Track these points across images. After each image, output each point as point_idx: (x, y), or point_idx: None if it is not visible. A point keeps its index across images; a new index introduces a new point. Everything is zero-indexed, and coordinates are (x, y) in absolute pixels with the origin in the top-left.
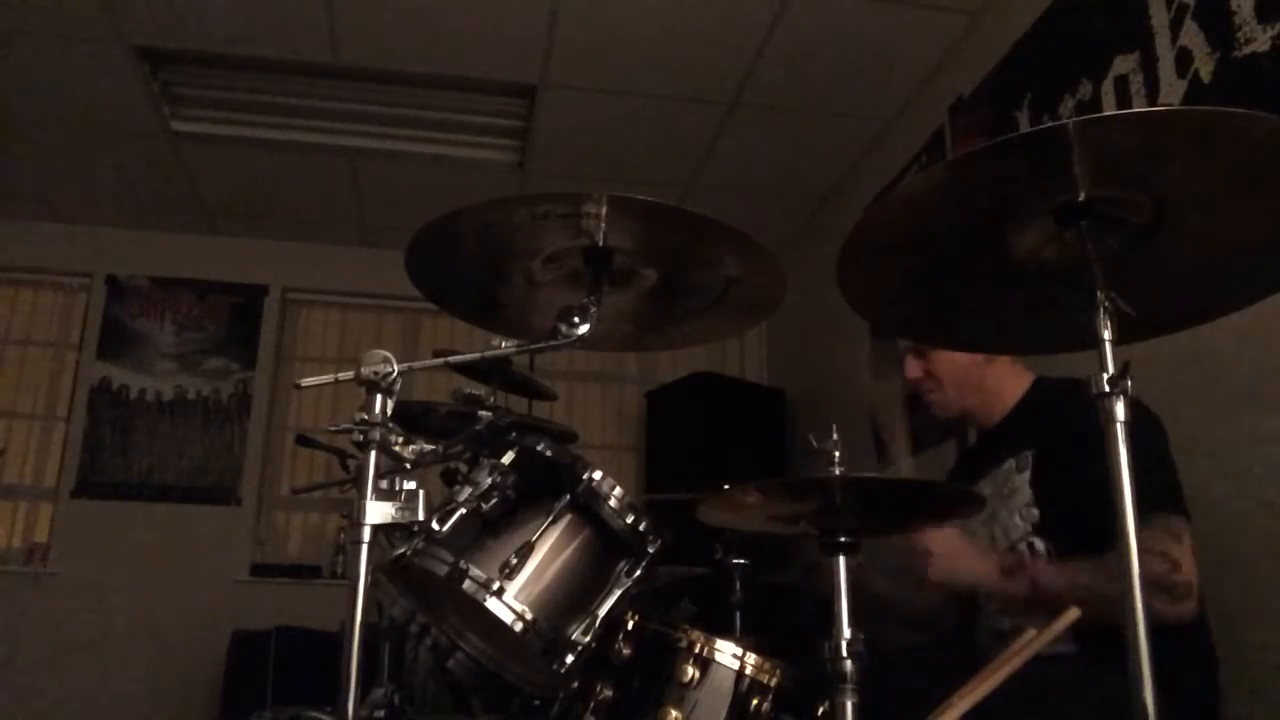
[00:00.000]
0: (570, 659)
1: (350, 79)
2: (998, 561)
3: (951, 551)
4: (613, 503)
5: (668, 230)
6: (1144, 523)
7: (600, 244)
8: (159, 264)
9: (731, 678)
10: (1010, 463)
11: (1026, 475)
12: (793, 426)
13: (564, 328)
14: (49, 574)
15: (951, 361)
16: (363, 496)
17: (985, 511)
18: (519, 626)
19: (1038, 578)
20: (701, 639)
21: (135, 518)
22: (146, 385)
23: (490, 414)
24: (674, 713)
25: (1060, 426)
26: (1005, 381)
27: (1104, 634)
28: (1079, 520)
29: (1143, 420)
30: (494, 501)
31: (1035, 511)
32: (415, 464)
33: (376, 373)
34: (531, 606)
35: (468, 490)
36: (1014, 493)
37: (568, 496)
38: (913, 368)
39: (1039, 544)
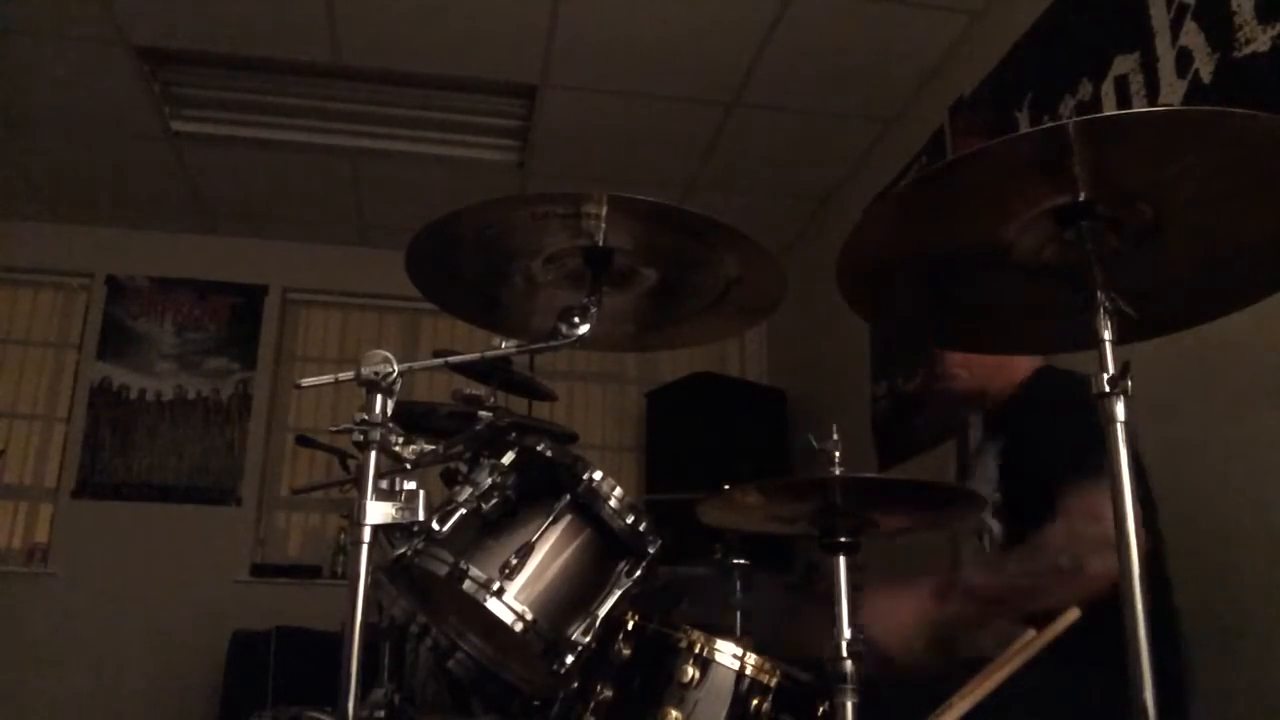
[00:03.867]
0: (570, 659)
1: (350, 79)
2: (928, 592)
3: (880, 616)
4: (613, 503)
5: (668, 230)
6: (1087, 486)
7: (600, 244)
8: (159, 264)
9: (731, 678)
10: (990, 446)
11: (996, 459)
12: (793, 426)
13: (564, 328)
14: (49, 574)
15: None
16: (363, 496)
17: None
18: (519, 627)
19: (971, 586)
20: (701, 639)
21: (135, 518)
22: (146, 385)
23: (490, 414)
24: (674, 713)
25: (1030, 413)
26: (1018, 367)
27: (1099, 633)
28: (1033, 505)
29: (1083, 388)
30: (494, 502)
31: (998, 495)
32: (415, 464)
33: (376, 373)
34: (531, 607)
35: (468, 490)
36: (986, 474)
37: (568, 497)
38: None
39: (995, 525)
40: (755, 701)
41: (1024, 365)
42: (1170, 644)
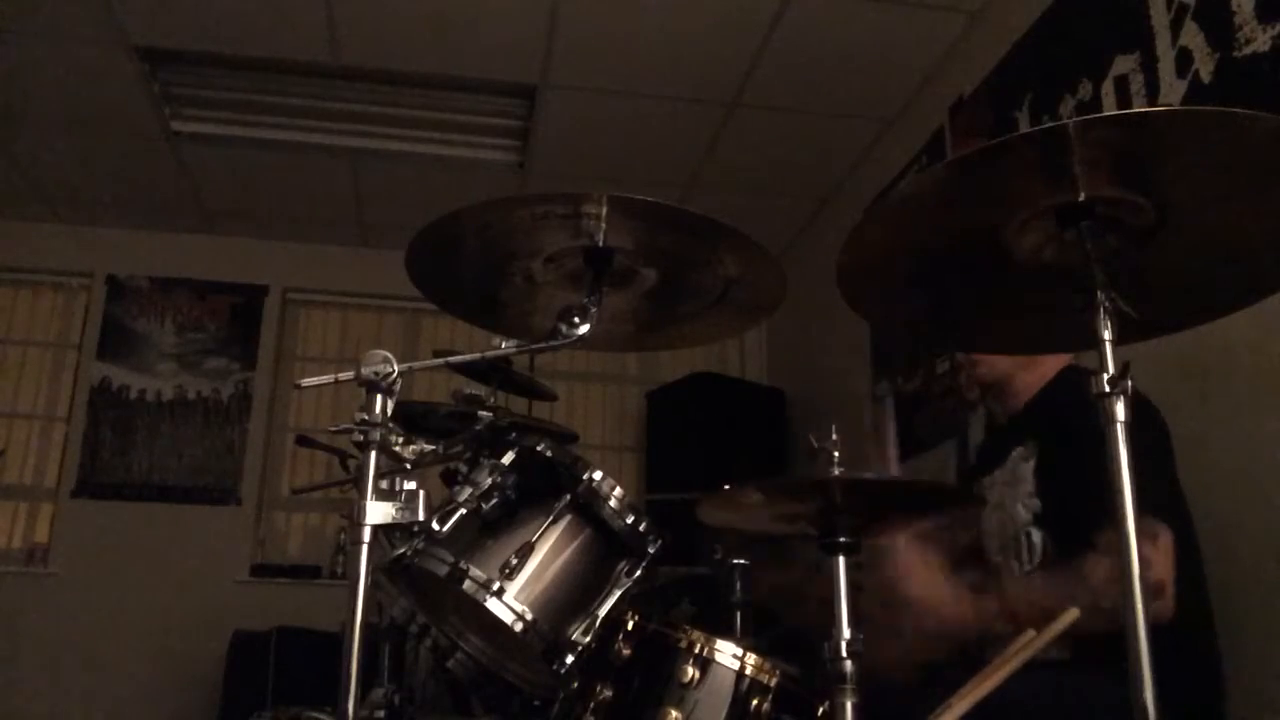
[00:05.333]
0: (570, 659)
1: (350, 79)
2: (970, 597)
3: (931, 600)
4: (613, 503)
5: (668, 230)
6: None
7: (600, 244)
8: (159, 264)
9: (731, 678)
10: (1019, 450)
11: (1032, 464)
12: (793, 426)
13: (564, 328)
14: (49, 574)
15: None
16: (363, 496)
17: (995, 498)
18: (519, 627)
19: (1015, 610)
20: (701, 639)
21: (135, 518)
22: (146, 385)
23: (490, 414)
24: (674, 713)
25: (1065, 418)
26: (1047, 363)
27: (1099, 641)
28: (1076, 515)
29: (1145, 417)
30: (494, 502)
31: (1036, 501)
32: (415, 464)
33: (376, 373)
34: (531, 607)
35: (468, 490)
36: (1020, 481)
37: (568, 497)
38: None
39: (1035, 535)
40: (755, 701)
41: (1052, 363)
42: (1206, 651)
